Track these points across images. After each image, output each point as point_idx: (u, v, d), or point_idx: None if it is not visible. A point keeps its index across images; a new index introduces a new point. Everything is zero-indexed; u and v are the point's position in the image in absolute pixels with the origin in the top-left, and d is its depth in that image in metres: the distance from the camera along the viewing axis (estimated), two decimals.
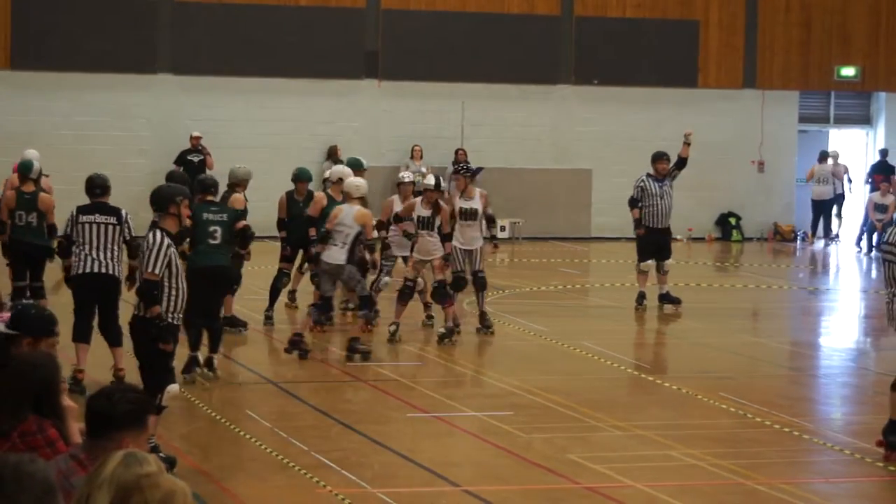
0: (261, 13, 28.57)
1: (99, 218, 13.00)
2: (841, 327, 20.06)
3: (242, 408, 12.86)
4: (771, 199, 31.19)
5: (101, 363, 13.28)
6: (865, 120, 32.64)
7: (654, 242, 19.15)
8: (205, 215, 13.93)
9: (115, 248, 13.04)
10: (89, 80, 27.82)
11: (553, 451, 11.30)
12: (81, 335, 13.14)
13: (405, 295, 16.39)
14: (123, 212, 13.21)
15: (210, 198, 14.28)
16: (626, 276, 22.11)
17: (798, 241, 30.99)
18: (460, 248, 16.62)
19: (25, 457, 3.94)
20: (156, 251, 10.10)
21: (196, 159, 27.27)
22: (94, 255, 12.96)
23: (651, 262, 19.16)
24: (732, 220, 30.82)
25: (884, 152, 31.46)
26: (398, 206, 16.89)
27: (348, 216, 15.09)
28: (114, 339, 13.15)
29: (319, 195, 16.84)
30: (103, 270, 12.97)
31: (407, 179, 17.49)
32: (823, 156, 30.90)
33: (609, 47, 30.17)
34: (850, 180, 31.17)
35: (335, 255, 15.02)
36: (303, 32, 28.74)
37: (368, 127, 29.20)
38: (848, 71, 31.36)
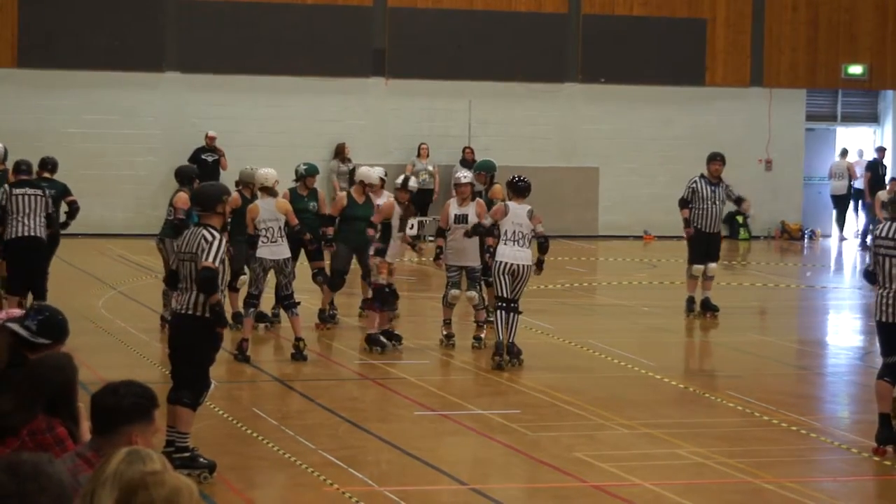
0: (268, 11, 28.59)
1: (29, 191, 15.53)
2: (848, 325, 20.03)
3: (249, 406, 12.88)
4: (778, 197, 31.16)
5: None
6: (873, 118, 32.61)
7: (703, 243, 18.49)
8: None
9: (42, 215, 15.47)
10: (97, 79, 27.85)
11: (560, 449, 11.30)
12: (15, 291, 15.42)
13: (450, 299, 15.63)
14: (45, 189, 15.79)
15: (46, 174, 16.81)
16: (633, 274, 22.12)
17: (805, 239, 30.97)
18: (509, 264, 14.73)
19: (44, 457, 3.93)
20: (215, 246, 10.35)
21: (210, 159, 27.28)
22: (25, 222, 15.36)
23: (701, 267, 18.47)
24: (740, 219, 30.78)
25: (880, 150, 31.36)
26: (456, 209, 15.76)
27: (269, 210, 15.09)
28: (40, 294, 15.29)
29: (341, 195, 16.85)
30: (33, 234, 15.40)
31: (465, 180, 15.91)
32: (844, 152, 31.09)
33: (616, 45, 30.16)
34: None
35: (279, 250, 15.06)
36: (310, 30, 28.76)
37: (375, 125, 29.21)
38: (855, 69, 31.33)
